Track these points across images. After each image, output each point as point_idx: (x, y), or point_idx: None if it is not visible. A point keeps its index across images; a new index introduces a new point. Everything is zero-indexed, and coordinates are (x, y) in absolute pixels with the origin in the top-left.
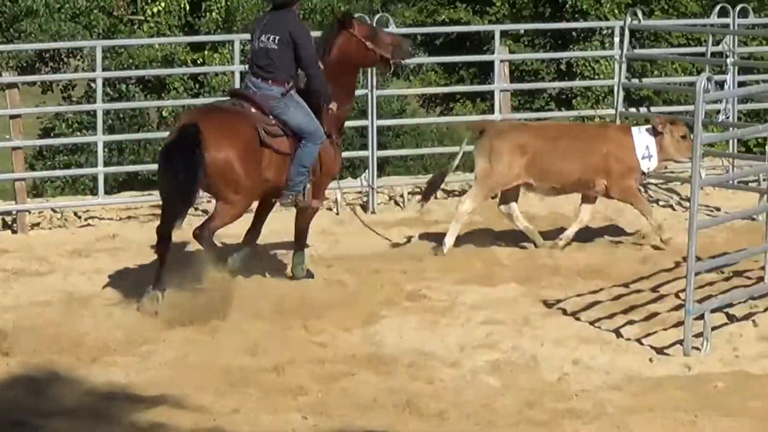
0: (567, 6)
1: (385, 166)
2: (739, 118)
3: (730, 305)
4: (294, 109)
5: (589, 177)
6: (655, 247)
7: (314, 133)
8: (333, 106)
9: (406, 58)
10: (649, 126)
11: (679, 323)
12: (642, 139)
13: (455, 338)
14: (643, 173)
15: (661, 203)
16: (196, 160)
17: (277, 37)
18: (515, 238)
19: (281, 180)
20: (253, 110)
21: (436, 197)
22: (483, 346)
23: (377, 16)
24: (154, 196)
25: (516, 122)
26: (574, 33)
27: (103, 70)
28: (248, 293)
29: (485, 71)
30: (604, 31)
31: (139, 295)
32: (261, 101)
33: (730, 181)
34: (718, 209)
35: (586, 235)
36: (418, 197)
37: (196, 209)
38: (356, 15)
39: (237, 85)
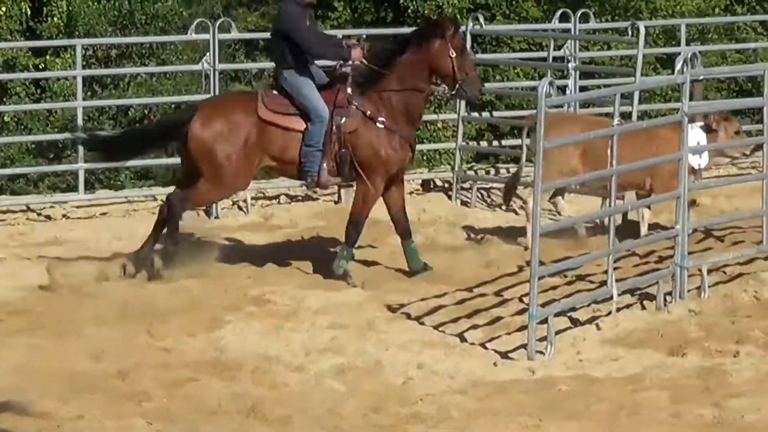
0: (409, 11)
1: None
2: None
3: (574, 309)
4: (296, 88)
5: (640, 176)
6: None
7: (313, 111)
8: (356, 53)
9: (472, 96)
10: (702, 123)
11: (523, 327)
12: (694, 135)
13: (300, 343)
14: (696, 171)
15: (503, 208)
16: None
17: (274, 30)
18: (360, 242)
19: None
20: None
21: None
22: (328, 350)
23: (219, 21)
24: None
25: (572, 114)
26: None
27: None
28: (93, 299)
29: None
30: None
31: None
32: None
33: (573, 186)
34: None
35: (429, 239)
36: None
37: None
38: (198, 20)
39: (79, 90)
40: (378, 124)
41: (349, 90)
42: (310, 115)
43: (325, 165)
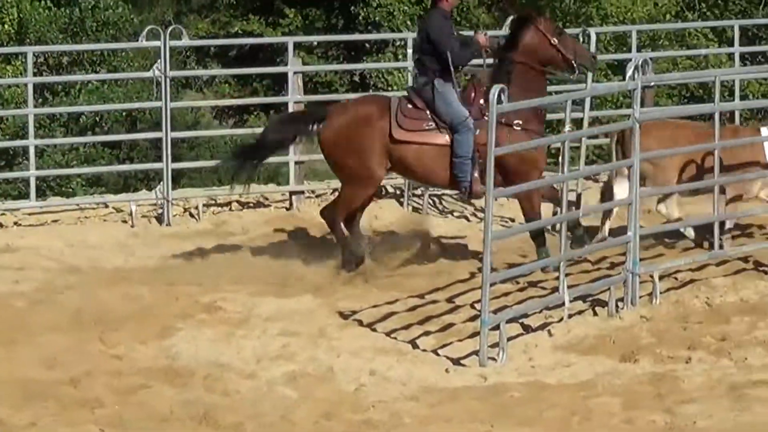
0: (360, 17)
1: (179, 178)
2: None
3: (526, 315)
4: (444, 97)
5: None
6: None
7: (462, 122)
8: (482, 39)
9: (591, 67)
10: None
11: (475, 334)
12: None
13: (251, 350)
14: None
15: (456, 214)
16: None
17: (422, 39)
18: (310, 249)
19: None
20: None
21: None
22: (279, 357)
23: (170, 28)
24: None
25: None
26: (367, 44)
27: None
28: (44, 306)
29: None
30: (398, 43)
31: None
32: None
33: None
34: (513, 220)
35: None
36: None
37: None
38: (149, 27)
39: (30, 97)
40: (515, 128)
41: (481, 100)
42: (458, 126)
43: (476, 174)
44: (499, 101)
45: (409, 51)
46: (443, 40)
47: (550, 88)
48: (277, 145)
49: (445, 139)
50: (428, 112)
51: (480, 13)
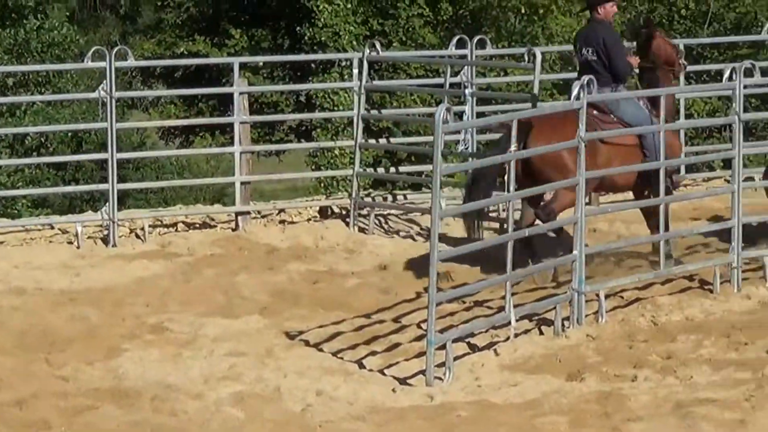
0: (306, 38)
1: (125, 199)
2: (477, 149)
3: (472, 335)
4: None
5: None
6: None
7: (644, 122)
8: (633, 61)
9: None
10: None
11: (422, 353)
12: None
13: (198, 370)
14: None
15: (401, 234)
16: None
17: (591, 49)
18: (256, 270)
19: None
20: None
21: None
22: (226, 378)
23: (116, 49)
24: None
25: None
26: (313, 65)
27: None
28: None
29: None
30: (343, 63)
31: None
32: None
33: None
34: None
35: (327, 266)
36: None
37: None
38: (95, 48)
39: None
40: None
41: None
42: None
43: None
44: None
45: (355, 71)
46: (621, 55)
47: (493, 108)
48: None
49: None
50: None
51: (426, 33)
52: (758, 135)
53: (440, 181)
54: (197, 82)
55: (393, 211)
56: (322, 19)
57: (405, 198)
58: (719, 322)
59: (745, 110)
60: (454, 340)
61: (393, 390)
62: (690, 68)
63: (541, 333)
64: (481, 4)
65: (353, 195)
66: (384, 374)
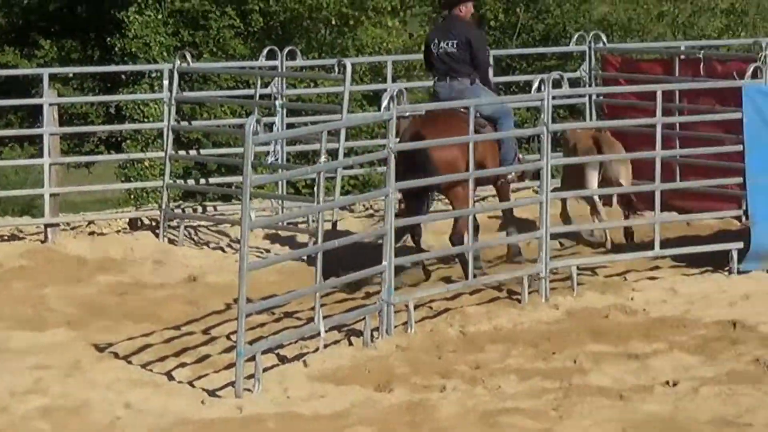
0: (116, 49)
1: None
2: (287, 160)
3: (281, 346)
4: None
5: None
6: None
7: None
8: None
9: None
10: None
11: (231, 365)
12: None
13: (4, 384)
14: None
15: (211, 245)
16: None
17: (452, 42)
18: (65, 282)
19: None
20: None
21: None
22: (32, 391)
23: None
24: None
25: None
26: (123, 76)
27: None
28: None
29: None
30: (154, 74)
31: None
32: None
33: (280, 223)
34: (269, 251)
35: (135, 278)
36: None
37: None
38: None
39: None
40: None
41: None
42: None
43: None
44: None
45: (165, 82)
46: (486, 55)
47: (305, 119)
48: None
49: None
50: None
51: (237, 44)
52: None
53: (250, 192)
54: (6, 94)
55: (203, 223)
56: (133, 30)
57: (215, 209)
58: (527, 332)
59: (554, 121)
60: (264, 352)
61: (202, 402)
62: (499, 79)
63: (351, 344)
64: (292, 15)
65: (163, 206)
66: (193, 386)
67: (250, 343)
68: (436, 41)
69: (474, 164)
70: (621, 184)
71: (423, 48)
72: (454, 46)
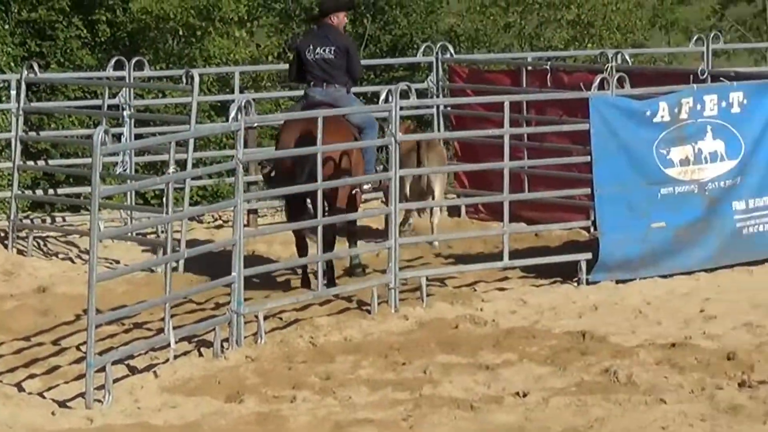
0: None
1: None
2: (136, 171)
3: (132, 357)
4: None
5: None
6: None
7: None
8: None
9: None
10: None
11: (81, 376)
12: None
13: None
14: None
15: (60, 256)
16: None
17: (329, 48)
18: None
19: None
20: None
21: None
22: None
23: None
24: None
25: None
26: None
27: None
28: None
29: None
30: (1, 85)
31: None
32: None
33: (129, 233)
34: (118, 261)
35: None
36: None
37: None
38: None
39: None
40: None
41: None
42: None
43: None
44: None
45: (13, 92)
46: (358, 58)
47: (153, 130)
48: None
49: None
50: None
51: (84, 54)
52: None
53: (98, 202)
54: None
55: (52, 233)
56: None
57: (64, 220)
58: (377, 342)
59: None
60: (114, 362)
61: (52, 413)
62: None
63: (201, 355)
64: (139, 25)
65: (12, 217)
66: (43, 397)
67: (100, 353)
68: (311, 47)
69: (349, 171)
70: (433, 189)
71: (292, 58)
72: (332, 52)
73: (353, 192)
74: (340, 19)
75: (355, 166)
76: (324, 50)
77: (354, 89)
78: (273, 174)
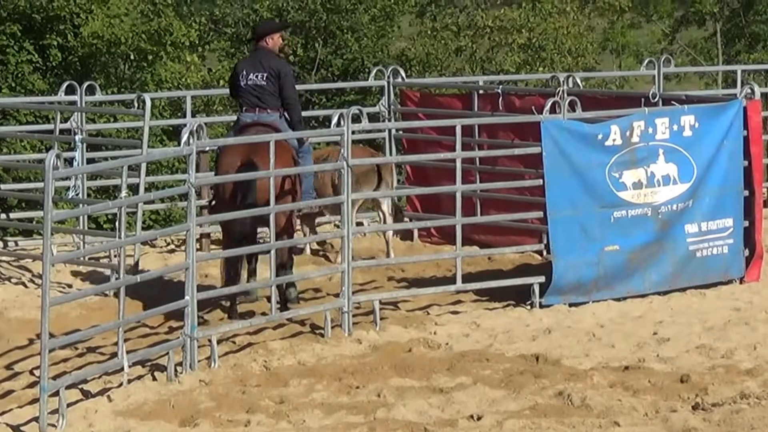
0: None
1: None
2: (88, 195)
3: (85, 381)
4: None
5: None
6: None
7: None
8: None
9: None
10: None
11: (35, 400)
12: None
13: None
14: None
15: (13, 281)
16: None
17: (261, 74)
18: None
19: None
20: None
21: None
22: None
23: None
24: None
25: None
26: None
27: None
28: None
29: None
30: None
31: None
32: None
33: (82, 258)
34: (71, 285)
35: None
36: None
37: None
38: None
39: None
40: None
41: None
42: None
43: None
44: None
45: None
46: (292, 83)
47: (106, 154)
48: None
49: None
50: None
51: (36, 79)
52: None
53: (51, 227)
54: None
55: (4, 258)
56: None
57: (16, 244)
58: (331, 366)
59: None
60: (68, 387)
61: None
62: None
63: (155, 379)
64: (90, 50)
65: None
66: None
67: (54, 378)
68: (244, 72)
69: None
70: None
71: (230, 78)
72: (264, 78)
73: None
74: (274, 41)
75: (298, 191)
76: (257, 76)
77: (305, 113)
78: (213, 203)
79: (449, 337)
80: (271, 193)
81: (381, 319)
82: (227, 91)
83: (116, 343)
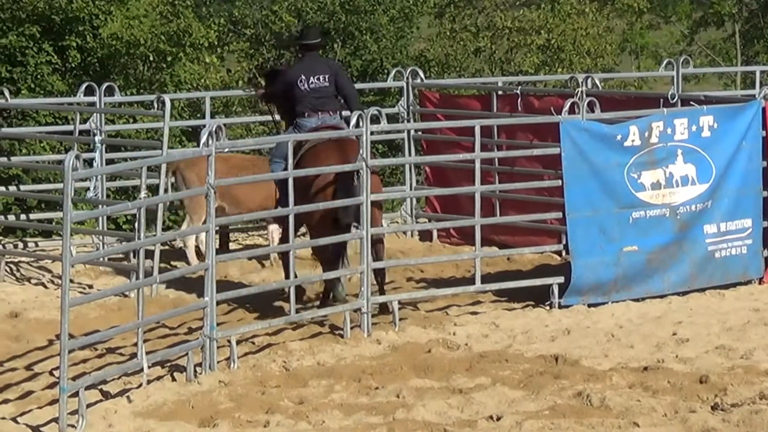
0: None
1: None
2: (108, 196)
3: (105, 382)
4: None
5: None
6: None
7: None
8: None
9: None
10: None
11: (55, 401)
12: None
13: None
14: None
15: (33, 281)
16: None
17: (323, 76)
18: None
19: None
20: None
21: None
22: None
23: None
24: None
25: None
26: None
27: None
28: None
29: None
30: None
31: None
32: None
33: (101, 258)
34: (91, 286)
35: None
36: None
37: None
38: None
39: None
40: None
41: None
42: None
43: None
44: None
45: None
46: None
47: (125, 155)
48: None
49: None
50: None
51: (55, 80)
52: (385, 181)
53: (70, 227)
54: None
55: (24, 259)
56: None
57: (36, 245)
58: (350, 366)
59: (373, 156)
60: (87, 387)
61: None
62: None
63: (174, 379)
64: (110, 51)
65: None
66: (17, 422)
67: (74, 378)
68: (303, 77)
69: None
70: None
71: (278, 86)
72: (326, 80)
73: None
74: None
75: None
76: (318, 78)
77: None
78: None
79: (468, 338)
80: (366, 186)
81: (400, 319)
82: (243, 93)
83: (136, 344)
